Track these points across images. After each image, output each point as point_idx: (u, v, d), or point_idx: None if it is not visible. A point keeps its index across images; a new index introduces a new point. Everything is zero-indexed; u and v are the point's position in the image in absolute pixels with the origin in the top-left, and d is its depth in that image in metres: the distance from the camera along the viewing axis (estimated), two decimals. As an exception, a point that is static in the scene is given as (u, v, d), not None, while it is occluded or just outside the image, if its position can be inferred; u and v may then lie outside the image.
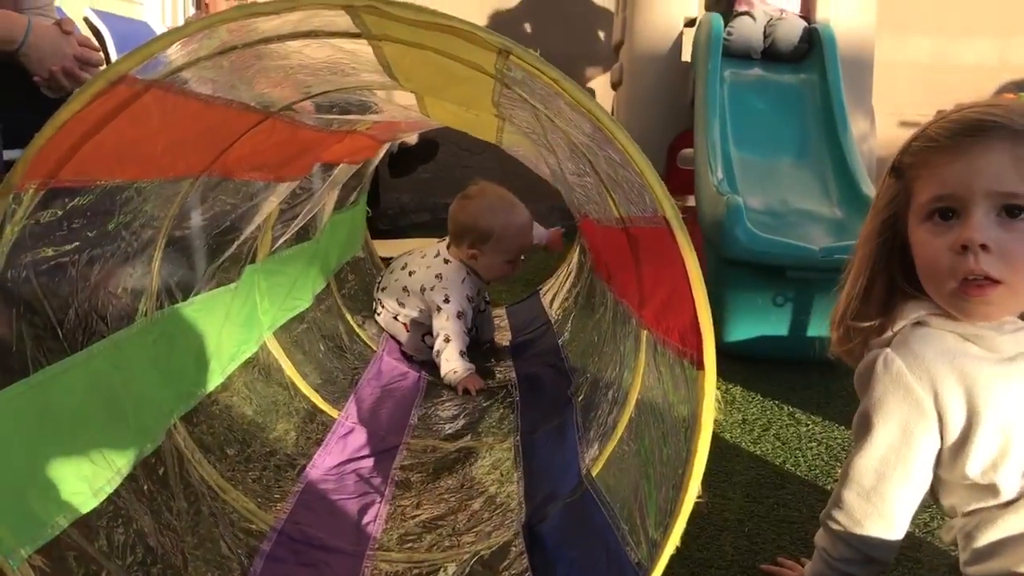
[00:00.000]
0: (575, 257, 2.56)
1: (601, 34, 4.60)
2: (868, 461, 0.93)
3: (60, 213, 0.93)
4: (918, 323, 0.93)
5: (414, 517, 1.35)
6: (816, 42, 2.93)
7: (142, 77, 0.85)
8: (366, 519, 1.34)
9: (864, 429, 0.93)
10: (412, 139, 3.60)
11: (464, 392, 1.92)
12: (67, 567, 0.89)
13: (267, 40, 0.95)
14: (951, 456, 0.90)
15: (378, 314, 2.24)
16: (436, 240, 2.26)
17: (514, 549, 1.19)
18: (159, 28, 3.48)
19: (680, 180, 3.29)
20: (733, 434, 1.72)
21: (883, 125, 3.26)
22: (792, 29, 2.95)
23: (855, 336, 0.99)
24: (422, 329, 2.15)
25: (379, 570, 1.20)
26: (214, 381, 1.46)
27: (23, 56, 1.65)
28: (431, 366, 2.07)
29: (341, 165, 2.02)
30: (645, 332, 1.16)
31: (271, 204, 1.64)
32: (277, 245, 1.79)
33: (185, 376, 1.37)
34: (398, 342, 2.21)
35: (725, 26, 2.93)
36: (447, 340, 2.01)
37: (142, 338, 1.22)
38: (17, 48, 1.64)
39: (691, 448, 0.75)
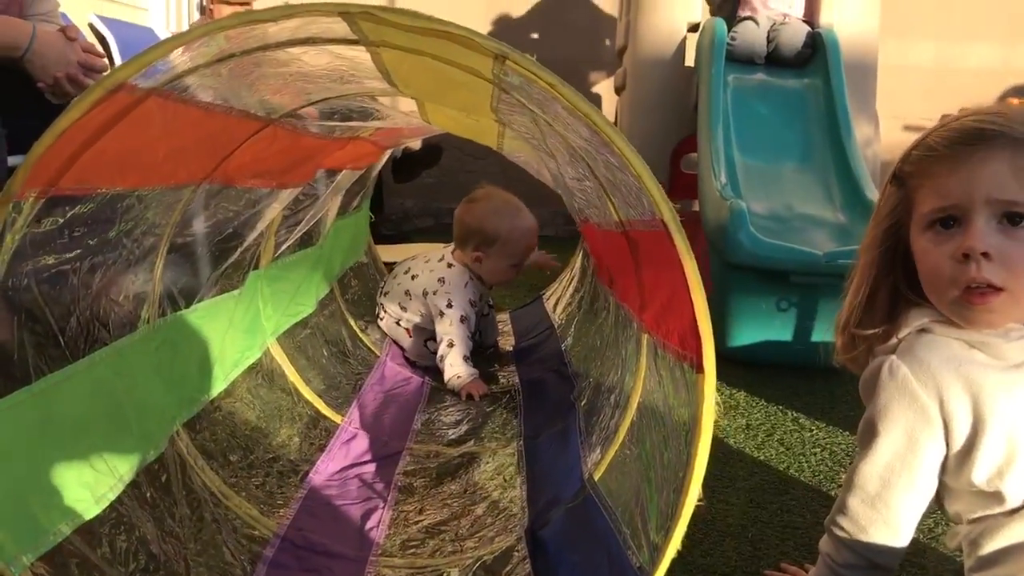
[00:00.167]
0: (578, 262, 2.56)
1: (605, 39, 4.61)
2: (873, 468, 0.92)
3: (61, 221, 0.93)
4: (923, 330, 0.93)
5: (417, 522, 1.35)
6: (820, 47, 2.93)
7: (142, 85, 0.85)
8: (369, 525, 1.34)
9: (869, 436, 0.93)
10: (416, 144, 3.61)
11: (467, 397, 1.92)
12: (69, 574, 0.89)
13: (265, 47, 0.95)
14: (956, 463, 0.90)
15: (381, 319, 2.24)
16: (442, 246, 2.26)
17: (517, 554, 1.20)
18: (163, 35, 3.50)
19: (685, 184, 3.30)
20: (737, 439, 1.71)
21: (887, 129, 3.26)
22: (795, 34, 2.95)
23: (859, 343, 0.99)
24: (425, 334, 2.15)
25: (382, 576, 1.20)
26: (217, 387, 1.47)
27: (28, 62, 1.66)
28: (434, 371, 2.07)
29: (344, 171, 2.03)
30: (646, 336, 1.16)
31: (274, 211, 1.64)
32: (280, 251, 1.80)
33: (188, 382, 1.38)
34: (401, 347, 2.21)
35: (728, 31, 2.94)
36: (450, 345, 2.01)
37: (145, 345, 1.23)
38: (22, 54, 1.65)
39: (691, 451, 0.75)
